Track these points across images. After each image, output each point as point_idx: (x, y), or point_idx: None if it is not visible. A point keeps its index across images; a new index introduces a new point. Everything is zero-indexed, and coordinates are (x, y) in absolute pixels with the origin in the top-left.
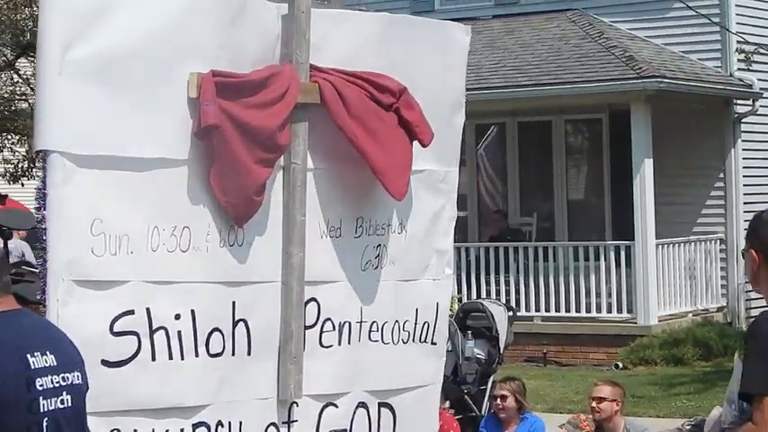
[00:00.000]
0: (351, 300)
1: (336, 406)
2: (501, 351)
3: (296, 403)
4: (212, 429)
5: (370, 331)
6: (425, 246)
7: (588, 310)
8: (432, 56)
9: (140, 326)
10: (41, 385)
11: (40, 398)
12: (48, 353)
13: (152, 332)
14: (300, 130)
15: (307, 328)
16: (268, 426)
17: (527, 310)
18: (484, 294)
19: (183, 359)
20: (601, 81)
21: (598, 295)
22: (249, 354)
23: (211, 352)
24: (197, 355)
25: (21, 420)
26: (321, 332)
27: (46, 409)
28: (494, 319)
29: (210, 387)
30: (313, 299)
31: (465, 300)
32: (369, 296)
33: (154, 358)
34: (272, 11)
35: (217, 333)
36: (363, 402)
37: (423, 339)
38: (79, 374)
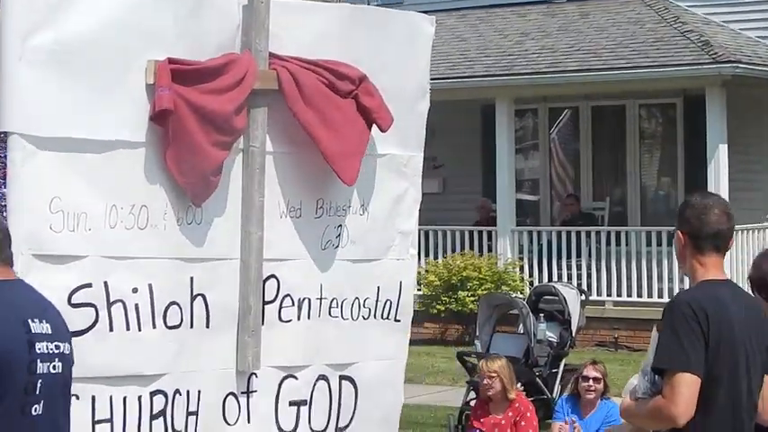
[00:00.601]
0: (310, 277)
1: (296, 378)
2: (573, 334)
3: (255, 374)
4: (170, 397)
5: (330, 307)
6: (388, 227)
7: (660, 296)
8: (395, 45)
9: (98, 298)
10: (39, 349)
11: (38, 360)
12: (44, 321)
13: (109, 304)
14: (259, 115)
15: (266, 303)
16: (227, 395)
17: (599, 294)
18: (555, 278)
19: (140, 330)
20: (675, 66)
21: (670, 280)
22: (208, 326)
23: (169, 324)
24: (154, 327)
25: (21, 379)
26: (280, 307)
27: (41, 372)
28: (566, 303)
29: (168, 357)
30: (273, 276)
31: (536, 283)
32: (329, 274)
33: (111, 329)
34: (232, 1)
35: (174, 306)
36: (324, 375)
37: (385, 316)
38: (69, 347)
